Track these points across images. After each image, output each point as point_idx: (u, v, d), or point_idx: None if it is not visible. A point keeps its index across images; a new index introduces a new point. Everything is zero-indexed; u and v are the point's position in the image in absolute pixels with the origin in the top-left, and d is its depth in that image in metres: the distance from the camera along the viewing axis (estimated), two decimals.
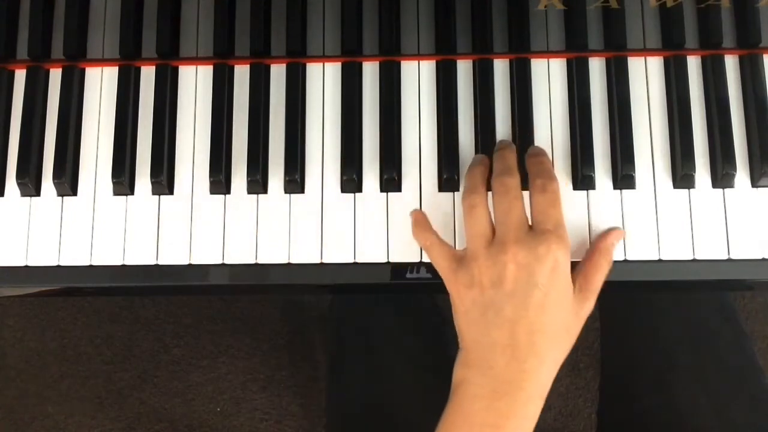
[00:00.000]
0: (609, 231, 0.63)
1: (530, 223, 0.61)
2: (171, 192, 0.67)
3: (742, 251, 0.64)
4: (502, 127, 0.67)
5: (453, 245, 0.64)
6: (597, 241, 0.63)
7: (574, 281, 0.60)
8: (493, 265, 0.58)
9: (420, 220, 0.64)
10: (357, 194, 0.66)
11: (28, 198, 0.67)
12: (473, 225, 0.60)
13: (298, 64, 0.68)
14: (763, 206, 0.65)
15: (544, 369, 0.58)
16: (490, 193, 0.62)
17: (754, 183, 0.65)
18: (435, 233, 0.63)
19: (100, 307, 1.39)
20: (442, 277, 0.62)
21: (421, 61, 0.68)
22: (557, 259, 0.58)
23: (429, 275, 0.64)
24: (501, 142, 0.66)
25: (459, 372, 0.60)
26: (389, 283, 0.66)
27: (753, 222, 0.64)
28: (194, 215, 0.66)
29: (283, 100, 0.67)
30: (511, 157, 0.63)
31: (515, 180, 0.61)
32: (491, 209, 0.61)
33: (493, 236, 0.60)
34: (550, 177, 0.61)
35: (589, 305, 0.60)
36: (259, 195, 0.66)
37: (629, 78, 0.67)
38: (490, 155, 0.65)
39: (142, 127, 0.68)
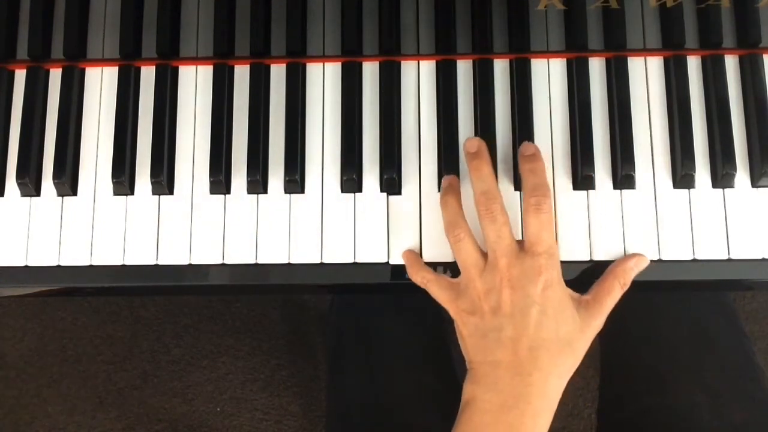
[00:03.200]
0: (630, 256, 0.64)
1: (521, 237, 0.62)
2: (171, 192, 0.67)
3: (742, 251, 0.64)
4: (502, 127, 0.67)
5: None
6: (615, 264, 0.63)
7: (581, 299, 0.62)
8: (490, 292, 0.60)
9: (412, 261, 0.65)
10: (357, 194, 0.66)
11: (28, 198, 0.67)
12: (464, 258, 0.62)
13: (298, 64, 0.68)
14: (763, 206, 0.65)
15: (550, 383, 0.59)
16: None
17: (754, 183, 0.65)
18: (429, 270, 0.64)
19: (100, 307, 1.39)
20: (445, 307, 0.63)
21: (421, 61, 0.68)
22: (548, 279, 0.60)
23: None
24: (469, 144, 0.64)
25: (468, 390, 0.62)
26: (389, 283, 0.66)
27: (753, 222, 0.64)
28: (194, 215, 0.66)
29: (283, 100, 0.67)
30: (488, 171, 0.62)
31: (499, 203, 0.61)
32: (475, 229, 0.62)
33: (485, 260, 0.61)
34: (545, 193, 0.61)
35: (596, 324, 0.61)
36: (259, 195, 0.66)
37: (629, 78, 0.67)
38: (492, 156, 0.65)
39: (142, 127, 0.68)
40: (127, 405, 1.37)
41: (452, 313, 0.63)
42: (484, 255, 0.62)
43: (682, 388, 0.77)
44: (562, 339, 0.60)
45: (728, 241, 0.64)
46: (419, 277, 0.64)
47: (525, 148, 0.64)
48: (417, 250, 0.65)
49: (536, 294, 0.59)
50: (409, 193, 0.66)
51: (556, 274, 0.60)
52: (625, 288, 0.62)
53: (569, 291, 0.61)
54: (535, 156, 0.63)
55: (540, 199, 0.61)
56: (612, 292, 0.62)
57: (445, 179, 0.65)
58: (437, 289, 0.63)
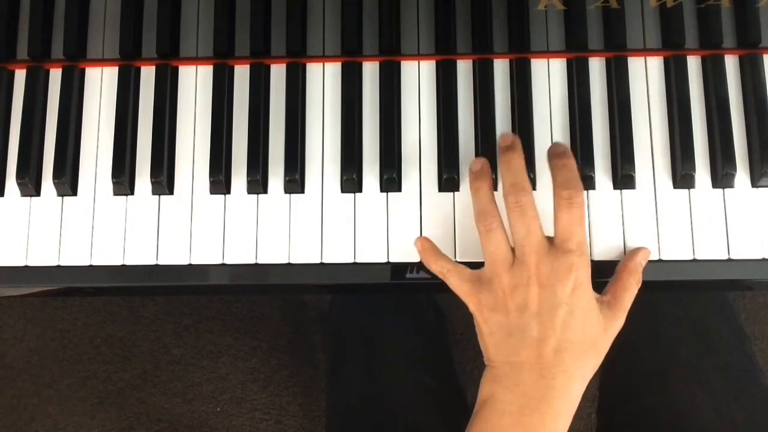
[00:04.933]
0: (637, 250, 0.63)
1: (552, 234, 0.60)
2: (171, 192, 0.67)
3: (742, 251, 0.64)
4: (502, 127, 0.67)
5: (453, 245, 0.64)
6: (625, 261, 0.62)
7: (602, 299, 0.60)
8: (517, 288, 0.58)
9: (428, 248, 0.63)
10: (357, 194, 0.66)
11: (28, 198, 0.67)
12: (493, 250, 0.60)
13: (298, 64, 0.68)
14: (763, 206, 0.65)
15: (573, 386, 0.58)
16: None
17: (754, 183, 0.65)
18: (447, 258, 0.62)
19: (100, 307, 1.39)
20: (464, 300, 0.61)
21: (421, 61, 0.68)
22: (579, 278, 0.58)
23: (429, 275, 0.64)
24: (503, 139, 0.63)
25: (486, 388, 0.60)
26: (389, 283, 0.66)
27: (753, 222, 0.64)
28: (194, 215, 0.66)
29: (283, 100, 0.67)
30: (520, 164, 0.61)
31: (529, 197, 0.60)
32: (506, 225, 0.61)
33: (514, 256, 0.59)
34: (577, 187, 0.60)
35: (617, 323, 0.60)
36: (259, 195, 0.66)
37: (629, 78, 0.67)
38: (490, 156, 0.65)
39: (142, 127, 0.68)
40: (127, 405, 1.37)
41: (472, 307, 0.60)
42: (513, 250, 0.60)
43: (682, 388, 0.77)
44: (587, 341, 0.58)
45: (728, 241, 0.64)
46: (437, 266, 0.62)
47: (555, 147, 0.63)
48: (416, 252, 0.65)
49: (565, 294, 0.58)
50: (410, 193, 0.66)
51: (586, 274, 0.59)
52: (639, 284, 0.61)
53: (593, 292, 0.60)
54: (566, 153, 0.62)
55: (572, 193, 0.59)
56: (629, 289, 0.61)
57: (476, 162, 0.63)
58: (457, 280, 0.61)
